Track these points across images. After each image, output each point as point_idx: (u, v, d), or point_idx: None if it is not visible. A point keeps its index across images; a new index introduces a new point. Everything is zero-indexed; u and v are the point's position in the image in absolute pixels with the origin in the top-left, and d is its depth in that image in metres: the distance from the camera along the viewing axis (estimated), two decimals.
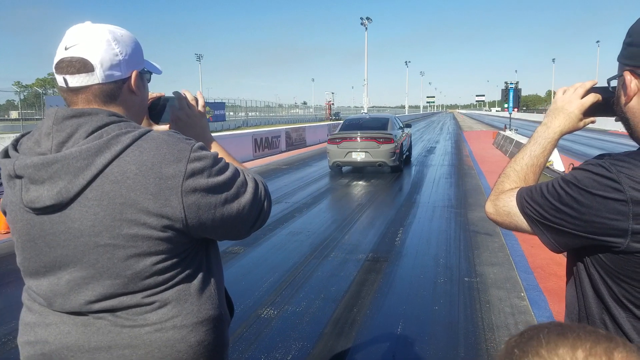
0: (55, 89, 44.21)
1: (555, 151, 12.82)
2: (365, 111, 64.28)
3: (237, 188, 1.07)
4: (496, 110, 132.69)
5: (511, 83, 21.67)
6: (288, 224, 7.10)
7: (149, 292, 1.02)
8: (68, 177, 0.95)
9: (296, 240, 6.19)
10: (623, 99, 1.01)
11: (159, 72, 1.23)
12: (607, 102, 1.11)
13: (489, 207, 1.17)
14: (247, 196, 1.08)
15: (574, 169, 0.98)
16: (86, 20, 1.08)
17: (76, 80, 1.02)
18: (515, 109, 22.07)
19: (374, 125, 12.61)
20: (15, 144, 1.04)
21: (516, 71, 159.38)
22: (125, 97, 1.09)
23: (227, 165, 1.08)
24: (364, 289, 4.49)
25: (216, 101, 46.28)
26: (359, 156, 11.87)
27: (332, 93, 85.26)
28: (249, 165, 14.65)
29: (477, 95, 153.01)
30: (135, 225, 0.96)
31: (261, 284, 4.62)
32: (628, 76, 0.97)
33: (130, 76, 1.09)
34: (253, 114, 58.63)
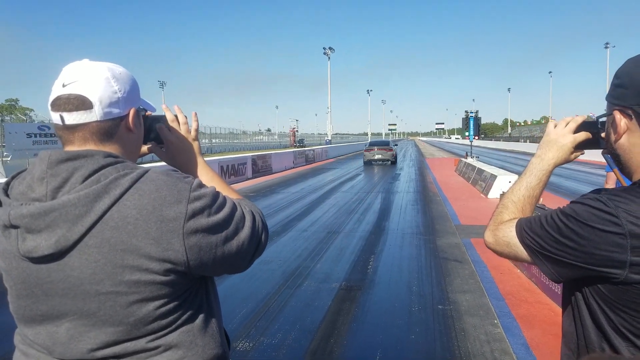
0: (12, 116, 42.58)
1: (517, 179, 13.30)
2: (329, 138, 65.05)
3: (236, 224, 1.04)
4: (456, 138, 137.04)
5: (471, 112, 22.50)
6: None
7: (153, 336, 0.98)
8: (66, 225, 0.91)
9: (268, 270, 6.09)
10: (613, 137, 1.07)
11: (153, 109, 1.21)
12: (594, 137, 1.19)
13: (489, 237, 1.20)
14: (245, 231, 1.06)
15: (572, 202, 1.03)
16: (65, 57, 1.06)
17: (73, 118, 0.99)
18: (476, 137, 22.86)
19: (383, 143, 29.08)
20: (6, 188, 0.99)
21: (474, 100, 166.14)
22: (122, 135, 1.06)
23: (225, 201, 1.05)
24: (340, 319, 4.44)
25: None
26: (377, 156, 26.92)
27: (296, 120, 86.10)
28: None
29: (437, 123, 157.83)
30: (138, 272, 0.93)
31: (234, 316, 4.49)
32: (618, 115, 1.04)
33: (128, 114, 1.06)
34: (217, 140, 58.25)
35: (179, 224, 0.94)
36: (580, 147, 1.22)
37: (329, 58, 68.67)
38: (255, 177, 19.88)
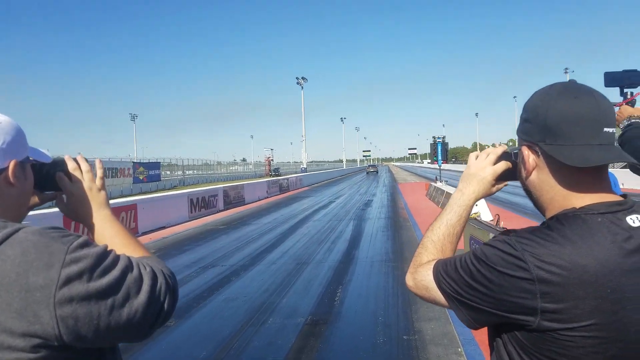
0: None
1: (483, 201, 13.48)
2: (305, 166, 65.25)
3: (127, 288, 0.92)
4: (427, 162, 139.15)
5: (439, 137, 22.95)
6: (224, 289, 6.81)
7: None
8: None
9: (232, 307, 5.93)
10: (524, 173, 1.04)
11: (48, 159, 1.13)
12: (514, 166, 1.13)
13: (409, 281, 1.15)
14: (140, 297, 0.93)
15: (484, 244, 0.99)
16: None
17: None
18: (444, 161, 23.26)
19: (373, 166, 75.81)
20: None
21: (444, 125, 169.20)
22: (1, 189, 0.98)
23: (115, 261, 0.94)
24: (303, 357, 4.32)
25: (151, 161, 45.24)
26: (371, 170, 67.24)
27: (271, 149, 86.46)
28: (185, 227, 14.24)
29: (409, 149, 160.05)
30: None
31: None
32: (526, 151, 1.01)
33: (7, 167, 0.99)
34: (190, 172, 57.63)
35: (49, 293, 0.84)
36: (502, 178, 1.17)
37: (302, 87, 69.63)
38: (227, 209, 19.63)
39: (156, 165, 44.74)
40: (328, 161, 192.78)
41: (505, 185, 1.21)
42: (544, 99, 0.97)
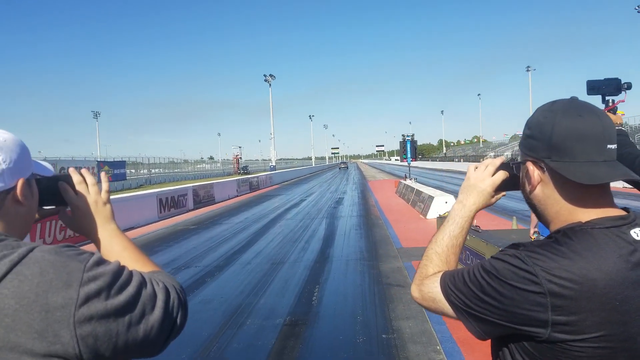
0: None
1: (453, 199, 13.79)
2: (274, 164, 64.91)
3: (143, 305, 0.92)
4: (395, 160, 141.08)
5: (408, 135, 23.28)
6: (199, 290, 6.72)
7: None
8: None
9: (209, 309, 5.86)
10: (528, 188, 1.06)
11: (50, 172, 1.10)
12: (514, 178, 1.17)
13: (415, 292, 1.16)
14: (156, 313, 0.93)
15: (492, 257, 1.01)
16: None
17: None
18: (413, 159, 23.62)
19: (344, 162, 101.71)
20: None
21: (410, 122, 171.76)
22: (8, 209, 0.95)
23: (130, 278, 0.94)
24: (284, 358, 4.32)
25: (116, 160, 44.18)
26: (342, 166, 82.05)
27: (240, 147, 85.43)
28: (155, 227, 13.93)
29: (377, 146, 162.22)
30: None
31: None
32: (530, 167, 1.04)
33: (16, 185, 0.96)
34: (156, 170, 56.42)
35: (69, 312, 0.83)
36: (500, 188, 1.20)
37: (270, 85, 69.16)
38: (197, 208, 19.34)
39: (121, 164, 43.71)
40: (297, 159, 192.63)
41: (503, 195, 1.24)
42: (548, 117, 1.00)
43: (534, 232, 5.25)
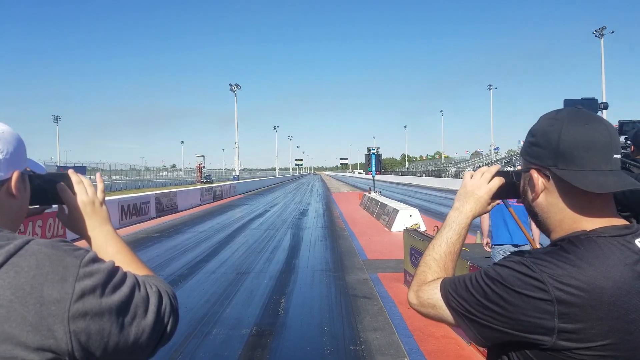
0: None
1: (417, 212, 14.06)
2: (237, 174, 64.27)
3: (136, 308, 0.90)
4: (359, 172, 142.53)
5: (373, 149, 23.62)
6: None
7: None
8: None
9: None
10: (531, 196, 1.06)
11: (42, 170, 1.09)
12: (509, 185, 1.18)
13: (413, 299, 1.15)
14: (148, 317, 0.91)
15: (495, 264, 1.01)
16: None
17: None
18: (378, 172, 23.96)
19: (309, 174, 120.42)
20: None
21: (374, 136, 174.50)
22: (2, 201, 0.94)
23: (124, 279, 0.92)
24: None
25: (76, 165, 42.92)
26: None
27: (203, 156, 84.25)
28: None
29: (341, 158, 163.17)
30: None
31: None
32: (535, 174, 1.03)
33: (11, 177, 0.95)
34: (117, 177, 54.82)
35: (64, 307, 0.82)
36: (496, 196, 1.21)
37: (235, 94, 68.76)
38: (160, 216, 18.88)
39: (82, 169, 42.34)
40: (260, 169, 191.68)
41: (498, 203, 1.25)
42: (554, 125, 1.00)
43: (487, 242, 5.37)
